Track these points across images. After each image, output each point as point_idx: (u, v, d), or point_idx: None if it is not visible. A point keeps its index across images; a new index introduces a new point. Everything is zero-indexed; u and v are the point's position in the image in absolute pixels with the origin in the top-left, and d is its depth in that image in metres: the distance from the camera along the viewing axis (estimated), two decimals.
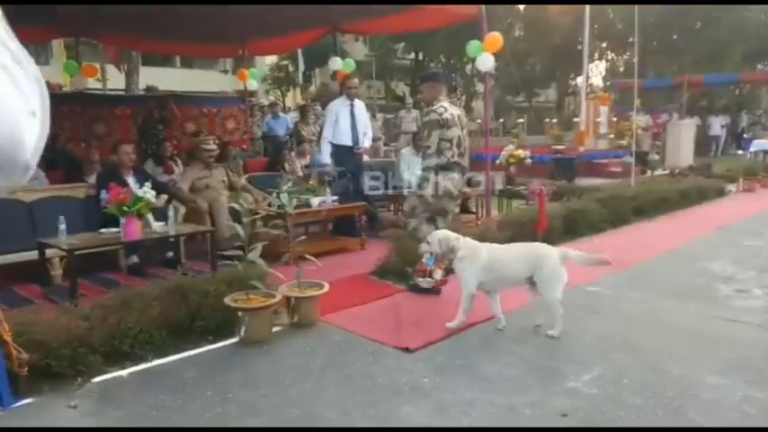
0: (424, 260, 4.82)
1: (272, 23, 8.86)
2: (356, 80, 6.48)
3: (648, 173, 13.51)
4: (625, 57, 39.73)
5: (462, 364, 3.54)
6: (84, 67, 9.54)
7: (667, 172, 13.48)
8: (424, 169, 5.11)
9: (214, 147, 6.62)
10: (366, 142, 7.15)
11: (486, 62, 7.58)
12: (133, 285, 4.95)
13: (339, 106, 6.53)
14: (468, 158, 5.45)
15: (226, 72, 34.39)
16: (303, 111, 10.92)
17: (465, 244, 4.10)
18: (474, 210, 8.00)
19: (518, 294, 4.79)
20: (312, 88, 32.83)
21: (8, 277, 5.23)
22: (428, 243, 4.23)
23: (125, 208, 4.59)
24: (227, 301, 3.92)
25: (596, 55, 38.17)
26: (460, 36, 30.21)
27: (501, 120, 27.35)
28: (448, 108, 5.06)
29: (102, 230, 4.91)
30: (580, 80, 41.32)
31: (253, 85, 11.63)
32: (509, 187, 8.12)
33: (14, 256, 4.96)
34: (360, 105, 6.82)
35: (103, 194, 4.75)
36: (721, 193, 10.72)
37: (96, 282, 5.21)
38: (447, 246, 4.08)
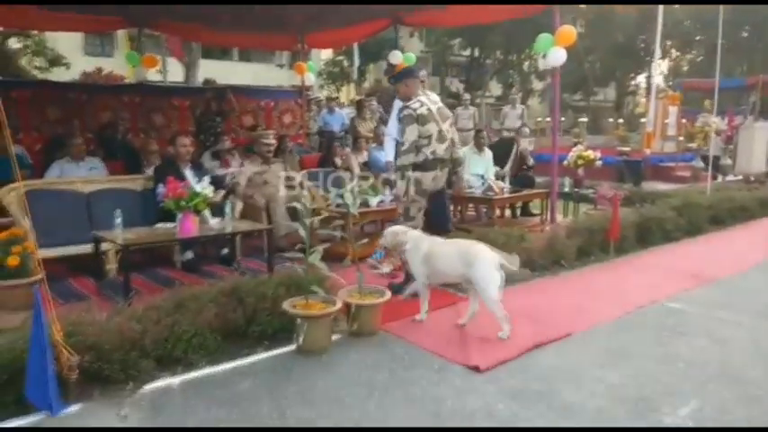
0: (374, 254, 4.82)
1: (333, 14, 8.63)
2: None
3: (719, 178, 12.76)
4: (689, 55, 38.24)
5: (540, 389, 3.20)
6: (145, 58, 9.54)
7: (738, 178, 12.70)
8: (398, 168, 4.79)
9: (273, 141, 6.43)
10: None
11: (557, 57, 7.16)
12: (187, 283, 4.83)
13: (398, 102, 6.10)
14: (460, 150, 5.18)
15: (282, 66, 34.64)
16: (360, 106, 10.63)
17: (410, 237, 4.17)
18: (537, 213, 7.59)
19: (601, 311, 4.44)
20: (366, 84, 32.74)
21: (64, 269, 5.17)
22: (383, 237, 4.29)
23: (182, 203, 4.42)
24: (285, 306, 3.69)
25: (660, 53, 36.79)
26: (520, 32, 29.64)
27: (562, 118, 26.48)
28: (424, 102, 4.76)
29: (158, 225, 4.76)
30: (641, 79, 40.06)
31: (310, 78, 11.44)
32: (576, 190, 7.66)
33: (71, 248, 4.87)
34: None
35: (161, 188, 4.61)
36: None
37: (150, 278, 5.09)
38: (395, 240, 4.17)
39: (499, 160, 7.66)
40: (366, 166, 7.62)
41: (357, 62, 24.76)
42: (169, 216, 4.81)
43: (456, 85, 34.53)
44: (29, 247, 4.26)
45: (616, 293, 4.99)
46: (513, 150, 7.73)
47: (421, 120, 4.70)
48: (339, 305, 3.72)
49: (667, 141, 13.29)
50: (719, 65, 8.84)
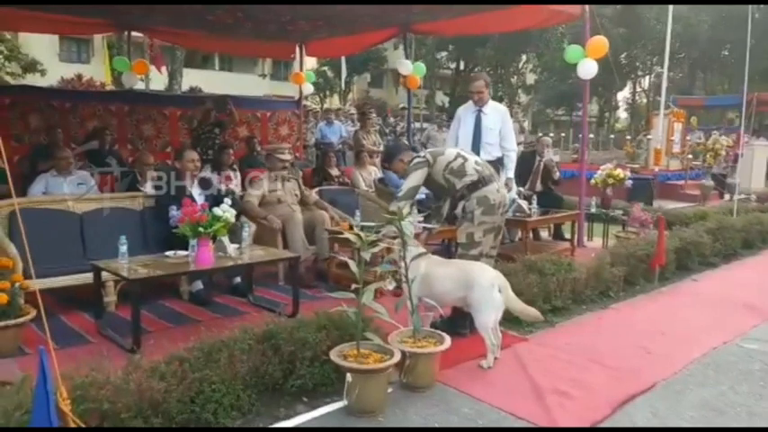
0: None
1: (340, 21, 8.08)
2: (481, 82, 5.26)
3: (726, 197, 12.47)
4: (671, 73, 38.55)
5: None
6: (135, 64, 8.86)
7: (743, 196, 12.42)
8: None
9: (289, 156, 5.83)
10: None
11: (588, 69, 6.75)
12: (202, 320, 4.23)
13: (464, 112, 5.42)
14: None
15: (264, 76, 33.99)
16: (363, 117, 10.03)
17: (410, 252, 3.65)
18: (568, 237, 7.09)
19: (672, 354, 3.92)
20: (350, 96, 32.24)
21: (52, 302, 4.46)
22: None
23: (200, 229, 3.79)
24: (334, 357, 3.09)
25: (642, 70, 37.07)
26: (510, 45, 29.50)
27: (545, 134, 26.23)
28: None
29: (169, 253, 4.12)
30: (623, 94, 40.24)
31: (309, 88, 10.86)
32: (605, 211, 7.17)
33: (64, 279, 4.19)
34: (493, 113, 5.39)
35: (174, 211, 3.98)
36: None
37: (155, 312, 4.42)
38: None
39: (521, 177, 7.11)
40: (382, 182, 7.02)
41: (345, 73, 24.23)
42: (175, 241, 4.20)
43: (440, 97, 34.20)
44: (17, 279, 3.61)
45: (680, 331, 4.48)
46: (535, 164, 7.20)
47: (435, 153, 4.17)
48: (398, 356, 3.13)
49: (673, 159, 12.98)
50: (749, 82, 8.45)
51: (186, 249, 4.14)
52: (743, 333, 4.48)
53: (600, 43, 6.65)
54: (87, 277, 4.15)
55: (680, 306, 5.18)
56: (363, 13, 7.31)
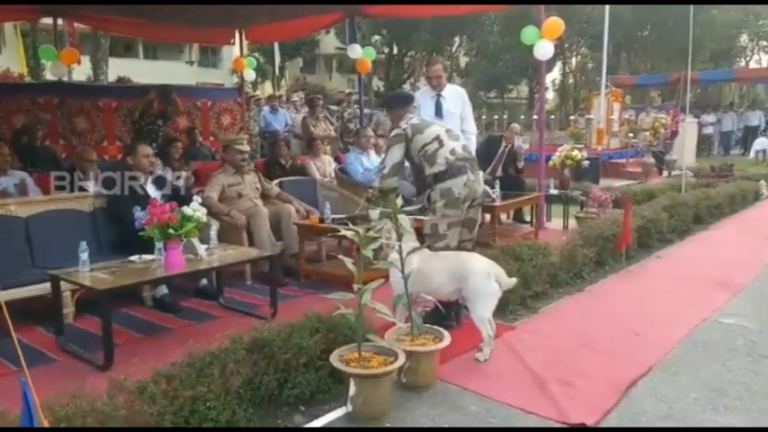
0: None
1: (282, 6, 7.73)
2: (439, 66, 5.05)
3: (665, 173, 12.90)
4: (597, 54, 39.64)
5: None
6: (64, 53, 8.21)
7: (679, 172, 12.88)
8: (385, 192, 3.98)
9: (248, 148, 5.52)
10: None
11: (544, 50, 6.71)
12: (173, 327, 3.94)
13: (422, 97, 5.15)
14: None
15: (192, 63, 32.81)
16: (311, 104, 9.67)
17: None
18: (528, 219, 7.09)
19: (659, 334, 3.92)
20: (282, 82, 31.54)
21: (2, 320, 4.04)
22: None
23: (170, 230, 3.48)
24: (336, 363, 2.88)
25: (570, 51, 37.99)
26: (445, 29, 29.56)
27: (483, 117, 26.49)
28: (413, 117, 4.13)
29: (134, 258, 3.78)
30: (553, 76, 41.15)
31: (251, 75, 10.44)
32: (564, 192, 7.21)
33: (14, 291, 3.77)
34: (453, 96, 5.08)
35: (139, 213, 3.64)
36: (757, 196, 10.10)
37: (120, 322, 4.04)
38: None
39: (484, 161, 7.04)
40: (342, 172, 6.78)
41: (278, 59, 23.60)
42: (134, 243, 3.88)
43: (375, 83, 33.95)
44: None
45: (658, 311, 4.51)
46: (500, 150, 7.15)
47: (416, 129, 3.98)
48: (402, 357, 2.95)
49: (613, 137, 13.31)
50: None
51: (146, 252, 3.82)
52: (718, 308, 4.56)
53: (555, 24, 6.63)
54: (42, 288, 3.77)
55: (651, 285, 5.24)
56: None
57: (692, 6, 8.82)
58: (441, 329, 3.34)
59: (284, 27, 9.38)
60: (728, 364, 3.56)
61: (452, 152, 3.95)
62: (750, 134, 19.86)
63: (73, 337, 3.72)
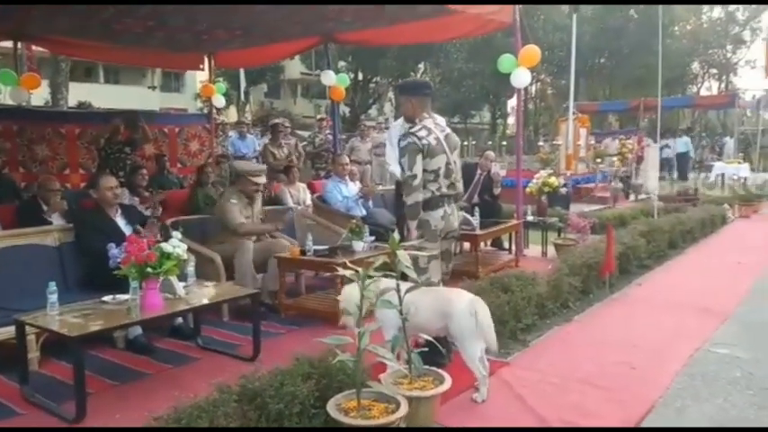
0: None
1: (257, 31, 7.59)
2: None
3: (632, 197, 13.07)
4: (557, 80, 40.56)
5: None
6: (25, 78, 7.85)
7: (645, 196, 13.07)
8: (411, 207, 3.74)
9: (265, 180, 5.32)
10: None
11: (521, 78, 6.70)
12: (150, 372, 3.68)
13: (400, 129, 4.91)
14: (460, 183, 4.12)
15: (154, 88, 32.31)
16: (275, 130, 9.38)
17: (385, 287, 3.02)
18: (506, 246, 7.01)
19: (655, 369, 3.82)
20: (248, 107, 31.26)
21: None
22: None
23: (148, 270, 3.25)
24: (334, 414, 2.67)
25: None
26: (411, 56, 29.79)
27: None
28: (432, 130, 3.82)
29: (107, 299, 3.52)
30: (510, 103, 41.91)
31: (220, 101, 10.21)
32: (542, 219, 7.17)
33: None
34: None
35: (114, 250, 3.39)
36: (724, 220, 10.29)
37: (91, 367, 3.68)
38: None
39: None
40: (321, 200, 6.58)
41: (243, 84, 23.37)
42: (104, 281, 3.63)
43: (342, 108, 33.96)
44: None
45: (650, 342, 4.41)
46: (476, 178, 7.08)
47: (430, 152, 3.83)
48: (405, 405, 2.77)
49: (580, 163, 13.47)
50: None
51: (117, 288, 3.55)
52: (708, 338, 4.50)
53: (532, 52, 6.63)
54: (4, 332, 3.47)
55: (638, 313, 5.18)
56: (293, 21, 6.88)
57: (659, 30, 8.98)
58: (439, 371, 3.17)
59: (256, 52, 9.21)
60: (731, 399, 3.48)
61: (439, 189, 3.83)
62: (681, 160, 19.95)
63: (39, 386, 3.42)
